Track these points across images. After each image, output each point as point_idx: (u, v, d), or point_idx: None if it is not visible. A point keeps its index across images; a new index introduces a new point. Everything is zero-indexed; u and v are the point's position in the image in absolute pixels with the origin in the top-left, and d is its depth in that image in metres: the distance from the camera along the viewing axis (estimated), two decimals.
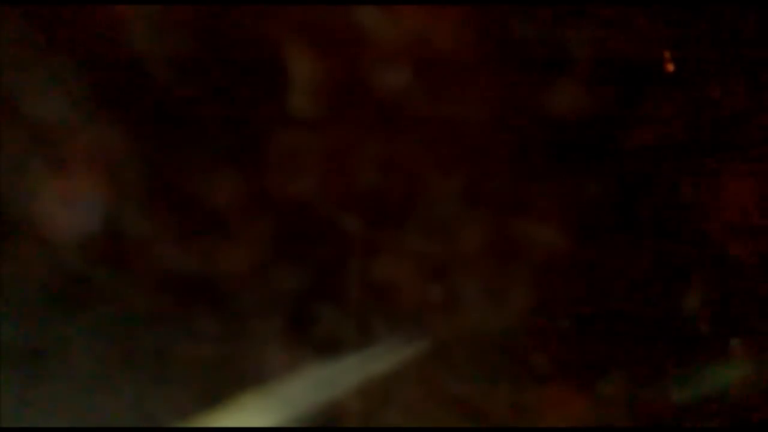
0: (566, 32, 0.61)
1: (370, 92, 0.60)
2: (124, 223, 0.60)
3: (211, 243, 0.60)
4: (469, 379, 0.62)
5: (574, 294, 0.63)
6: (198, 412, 0.60)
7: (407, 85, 0.61)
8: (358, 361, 0.60)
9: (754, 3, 0.61)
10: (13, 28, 0.59)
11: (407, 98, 0.61)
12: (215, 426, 0.59)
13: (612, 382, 0.62)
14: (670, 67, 0.62)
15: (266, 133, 0.61)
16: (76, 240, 0.60)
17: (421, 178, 0.61)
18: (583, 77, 0.61)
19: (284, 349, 0.60)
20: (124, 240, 0.60)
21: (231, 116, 0.61)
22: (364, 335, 0.61)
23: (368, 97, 0.61)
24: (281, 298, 0.61)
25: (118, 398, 0.60)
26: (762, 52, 0.62)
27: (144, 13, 0.59)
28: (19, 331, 0.59)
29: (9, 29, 0.59)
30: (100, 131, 0.60)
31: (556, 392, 0.62)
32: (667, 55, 0.62)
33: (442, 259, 0.61)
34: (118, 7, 0.59)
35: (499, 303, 0.62)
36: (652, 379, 0.62)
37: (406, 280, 0.61)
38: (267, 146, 0.61)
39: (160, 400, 0.60)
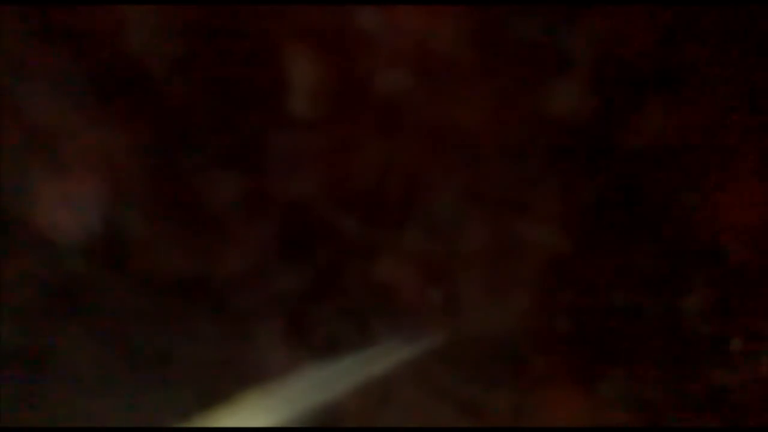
0: (566, 32, 0.61)
1: (370, 92, 0.61)
2: (123, 223, 0.60)
3: (211, 244, 0.60)
4: (469, 380, 0.62)
5: (574, 294, 0.63)
6: (198, 412, 0.60)
7: (407, 86, 0.61)
8: (358, 361, 0.61)
9: (756, 5, 0.61)
10: (13, 28, 0.59)
11: (407, 98, 0.61)
12: (215, 426, 0.59)
13: (612, 382, 0.62)
14: (671, 69, 0.62)
15: (266, 133, 0.61)
16: (76, 240, 0.60)
17: (421, 178, 0.61)
18: (583, 78, 0.61)
19: (284, 350, 0.61)
20: (123, 241, 0.60)
21: (231, 116, 0.61)
22: (364, 335, 0.61)
23: (368, 98, 0.61)
24: (281, 299, 0.61)
25: (118, 398, 0.60)
26: (762, 53, 0.62)
27: (144, 13, 0.59)
28: (19, 332, 0.59)
29: (9, 29, 0.59)
30: (100, 131, 0.60)
31: (556, 392, 0.62)
32: (667, 56, 0.62)
33: (442, 259, 0.62)
34: (118, 7, 0.59)
35: (499, 303, 0.62)
36: (652, 379, 0.62)
37: (406, 280, 0.61)
38: (267, 146, 0.61)
39: (161, 400, 0.60)
